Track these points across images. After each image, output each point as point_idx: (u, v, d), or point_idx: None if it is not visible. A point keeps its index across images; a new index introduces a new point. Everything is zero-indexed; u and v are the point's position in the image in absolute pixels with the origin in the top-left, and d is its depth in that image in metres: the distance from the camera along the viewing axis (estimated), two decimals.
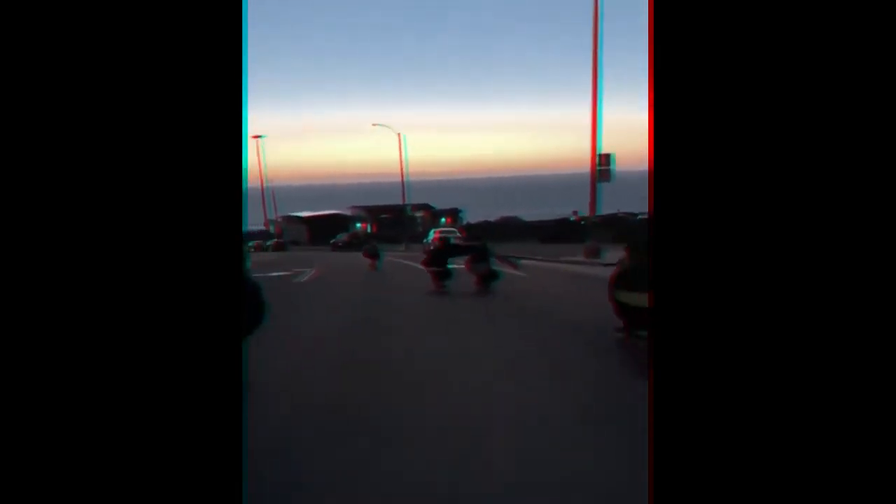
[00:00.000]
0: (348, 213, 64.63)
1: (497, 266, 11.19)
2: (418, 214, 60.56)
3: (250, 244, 56.37)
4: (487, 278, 10.92)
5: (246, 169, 1.49)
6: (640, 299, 5.96)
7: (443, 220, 61.66)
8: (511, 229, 40.05)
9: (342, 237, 48.34)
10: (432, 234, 30.67)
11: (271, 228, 62.69)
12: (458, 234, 28.97)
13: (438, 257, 11.70)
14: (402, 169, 38.85)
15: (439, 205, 65.51)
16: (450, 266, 11.51)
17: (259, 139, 59.82)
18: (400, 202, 44.53)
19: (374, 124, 39.97)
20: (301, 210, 68.86)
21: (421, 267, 12.49)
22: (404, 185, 39.26)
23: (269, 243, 53.31)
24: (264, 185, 60.58)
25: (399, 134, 38.98)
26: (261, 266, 21.46)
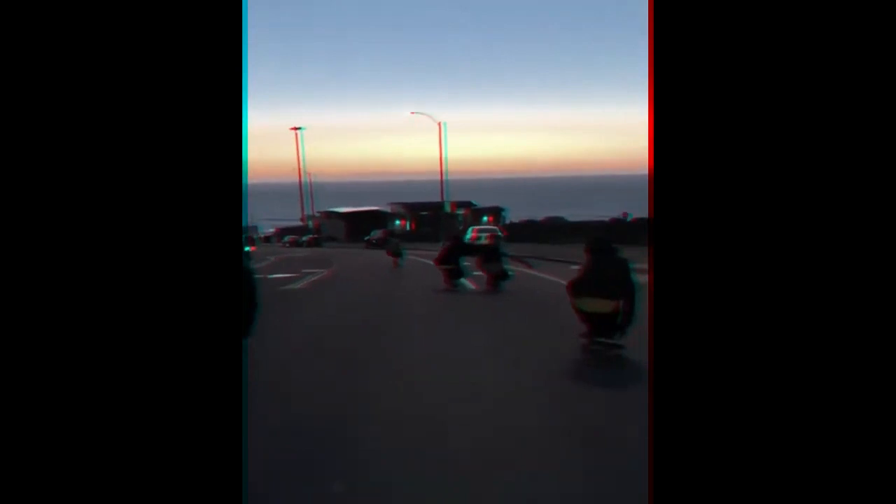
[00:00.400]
0: (387, 209, 62.40)
1: (509, 266, 11.49)
2: (459, 212, 58.03)
3: (285, 239, 54.86)
4: (498, 277, 11.28)
5: (246, 168, 1.55)
6: (597, 305, 5.85)
7: (485, 217, 59.52)
8: (557, 230, 36.98)
9: (376, 234, 45.96)
10: (470, 233, 27.79)
11: (309, 223, 60.87)
12: (500, 234, 26.06)
13: (450, 256, 12.05)
14: (441, 160, 36.26)
15: (481, 203, 62.71)
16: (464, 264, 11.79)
17: (298, 131, 57.95)
18: (440, 199, 41.81)
19: (412, 112, 37.46)
20: (341, 206, 66.85)
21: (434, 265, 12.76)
22: (443, 178, 36.58)
23: (304, 239, 51.42)
24: (302, 178, 58.73)
25: (439, 123, 36.39)
26: (276, 265, 21.35)
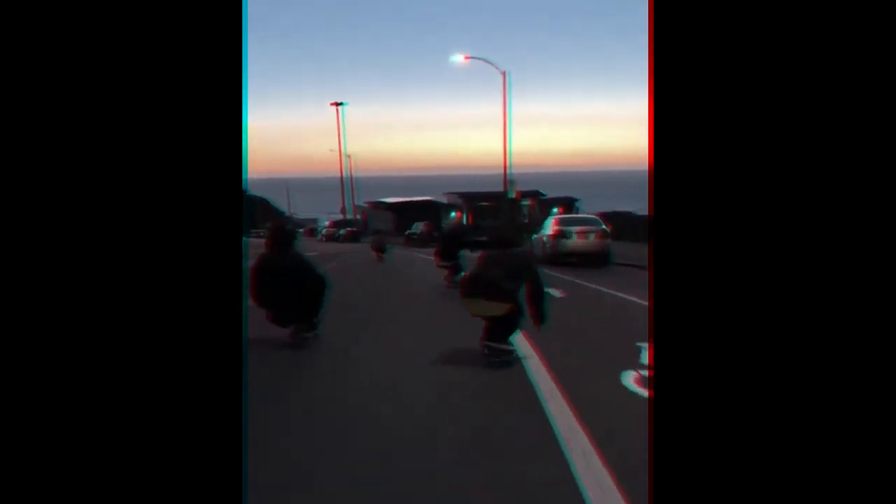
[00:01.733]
0: (443, 199, 53.96)
1: None
2: (524, 202, 49.91)
3: (322, 232, 47.24)
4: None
5: (246, 162, 1.59)
6: (487, 308, 5.35)
7: (554, 209, 53.31)
8: (634, 225, 27.84)
9: (419, 227, 36.63)
10: (549, 228, 17.61)
11: (348, 215, 52.80)
12: (605, 228, 15.81)
13: (448, 251, 11.32)
14: (505, 118, 26.80)
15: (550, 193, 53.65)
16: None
17: (340, 106, 49.81)
18: (502, 190, 32.77)
19: (467, 57, 28.40)
20: (391, 198, 58.80)
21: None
22: (508, 139, 27.08)
23: (341, 232, 43.34)
24: (344, 163, 50.67)
25: (503, 72, 27.25)
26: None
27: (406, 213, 54.48)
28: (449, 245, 11.43)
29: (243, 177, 1.55)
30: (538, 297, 5.38)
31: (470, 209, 54.36)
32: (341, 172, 54.09)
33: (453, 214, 54.96)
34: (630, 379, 4.08)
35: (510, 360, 5.37)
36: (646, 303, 9.97)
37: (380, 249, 20.82)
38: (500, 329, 5.38)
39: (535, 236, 17.83)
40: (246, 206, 1.57)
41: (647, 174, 1.64)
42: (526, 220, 43.10)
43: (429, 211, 53.41)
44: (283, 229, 6.51)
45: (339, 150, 53.33)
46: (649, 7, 1.54)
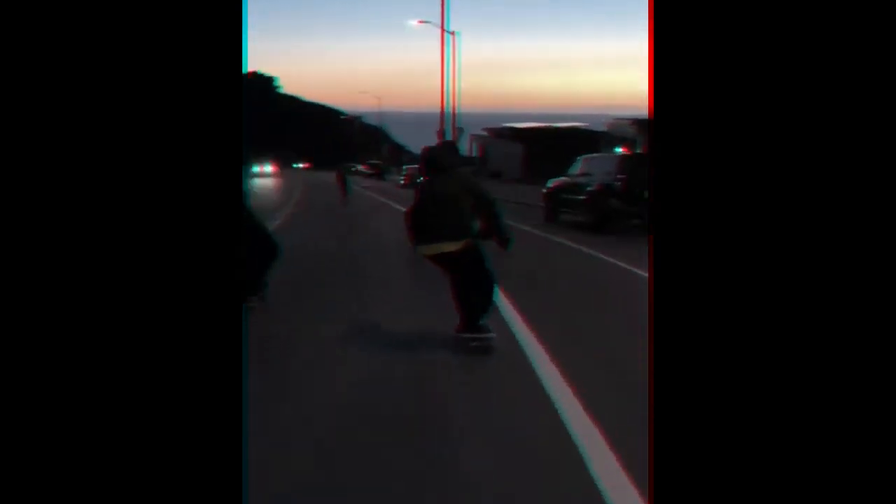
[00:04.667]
0: (599, 128, 47.29)
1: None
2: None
3: (405, 172, 29.83)
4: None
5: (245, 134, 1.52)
6: (435, 248, 4.89)
7: None
8: None
9: (613, 152, 17.49)
10: None
11: (459, 147, 34.03)
12: None
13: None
14: None
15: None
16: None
17: None
18: None
19: None
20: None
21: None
22: None
23: (419, 180, 24.37)
24: (446, 51, 31.59)
25: None
26: None
27: (544, 145, 35.69)
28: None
29: (242, 175, 1.73)
30: (493, 219, 4.99)
31: (647, 141, 34.88)
32: (442, 89, 34.68)
33: (618, 150, 36.05)
34: None
35: (490, 343, 5.23)
36: None
37: (344, 182, 22.59)
38: (471, 298, 5.10)
39: None
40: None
41: None
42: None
43: (582, 141, 34.22)
44: None
45: (442, 33, 33.88)
46: (649, 5, 1.65)
